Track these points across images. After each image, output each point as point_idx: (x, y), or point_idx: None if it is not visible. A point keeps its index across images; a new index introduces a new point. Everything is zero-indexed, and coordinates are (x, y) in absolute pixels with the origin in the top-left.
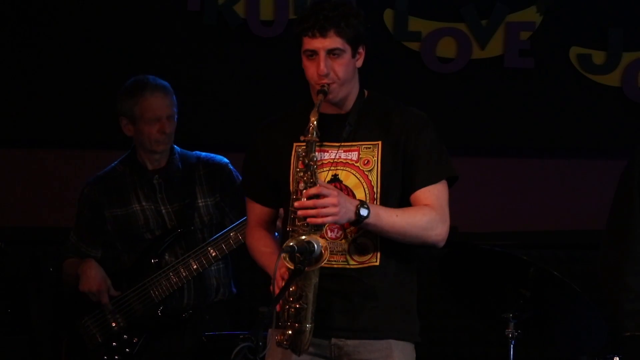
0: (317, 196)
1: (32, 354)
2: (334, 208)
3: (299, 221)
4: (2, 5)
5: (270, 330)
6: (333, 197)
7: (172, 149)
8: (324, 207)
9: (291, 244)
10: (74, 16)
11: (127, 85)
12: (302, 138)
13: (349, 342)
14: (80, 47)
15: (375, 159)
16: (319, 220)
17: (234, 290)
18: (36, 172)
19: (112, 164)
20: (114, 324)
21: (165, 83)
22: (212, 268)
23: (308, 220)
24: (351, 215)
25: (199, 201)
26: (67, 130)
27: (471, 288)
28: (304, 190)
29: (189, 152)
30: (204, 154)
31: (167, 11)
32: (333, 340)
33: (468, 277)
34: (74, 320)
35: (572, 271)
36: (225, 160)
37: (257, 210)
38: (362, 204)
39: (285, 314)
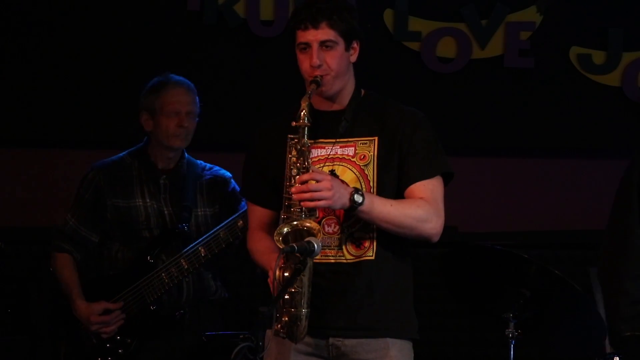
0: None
1: (32, 354)
2: (328, 192)
3: (292, 207)
4: (3, 6)
5: (267, 330)
6: (326, 181)
7: (182, 153)
8: (318, 190)
9: (284, 230)
10: (74, 17)
11: (153, 82)
12: (293, 124)
13: (347, 341)
14: (80, 47)
15: (372, 154)
16: (312, 204)
17: (226, 294)
18: (36, 172)
19: (120, 154)
20: None
21: (190, 83)
22: (206, 270)
23: (302, 204)
24: (345, 201)
25: (198, 210)
26: (67, 130)
27: (471, 288)
28: (297, 177)
29: (196, 161)
30: (209, 165)
31: (167, 11)
32: (331, 340)
33: (468, 276)
34: (71, 321)
35: (572, 271)
36: (229, 174)
37: (257, 213)
38: (357, 190)
39: (281, 300)
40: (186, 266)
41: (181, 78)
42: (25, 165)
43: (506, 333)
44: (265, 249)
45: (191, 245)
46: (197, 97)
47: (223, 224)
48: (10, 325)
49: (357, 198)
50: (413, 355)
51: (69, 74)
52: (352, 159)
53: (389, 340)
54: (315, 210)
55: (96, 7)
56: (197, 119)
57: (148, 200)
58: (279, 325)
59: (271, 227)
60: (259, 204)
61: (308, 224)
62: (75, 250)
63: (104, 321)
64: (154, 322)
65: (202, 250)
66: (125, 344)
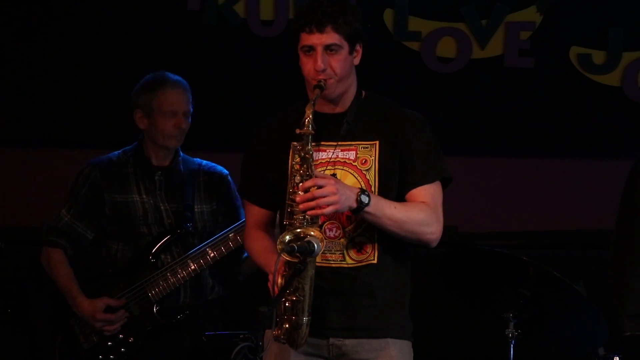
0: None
1: (32, 354)
2: (334, 196)
3: (295, 214)
4: (2, 6)
5: (267, 330)
6: (331, 185)
7: (177, 150)
8: (323, 196)
9: (287, 237)
10: (74, 17)
11: (147, 79)
12: (297, 131)
13: (347, 341)
14: (80, 47)
15: (373, 158)
16: (319, 212)
17: (225, 292)
18: (36, 172)
19: (115, 152)
20: None
21: (185, 81)
22: (206, 269)
23: (309, 212)
24: (352, 202)
25: (196, 207)
26: (67, 130)
27: (471, 288)
28: (300, 184)
29: (191, 158)
30: (205, 162)
31: (167, 11)
32: (331, 340)
33: (468, 277)
34: (70, 318)
35: (572, 271)
36: (226, 171)
37: (254, 212)
38: (363, 191)
39: (282, 307)
40: (193, 267)
41: (177, 77)
42: (25, 165)
43: (506, 333)
44: (263, 249)
45: (199, 247)
46: (191, 95)
47: (233, 226)
48: (10, 325)
49: (364, 198)
50: (413, 355)
51: (68, 74)
52: (354, 163)
53: (390, 340)
54: (318, 217)
55: (96, 7)
56: (190, 117)
57: (144, 196)
58: (279, 331)
59: (268, 226)
60: (256, 203)
61: (312, 232)
62: (70, 247)
63: (109, 319)
64: (157, 322)
65: (211, 252)
66: (127, 342)
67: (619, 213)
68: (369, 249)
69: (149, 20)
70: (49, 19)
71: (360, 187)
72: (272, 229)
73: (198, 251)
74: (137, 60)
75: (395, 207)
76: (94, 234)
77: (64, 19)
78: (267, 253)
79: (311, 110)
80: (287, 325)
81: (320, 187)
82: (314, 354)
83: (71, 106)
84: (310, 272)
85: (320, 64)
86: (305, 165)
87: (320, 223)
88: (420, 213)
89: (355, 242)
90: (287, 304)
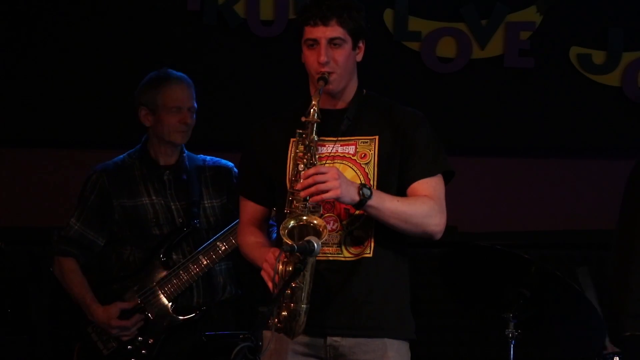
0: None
1: (32, 354)
2: (335, 182)
3: (296, 202)
4: (2, 6)
5: (264, 332)
6: (333, 172)
7: (182, 148)
8: (324, 182)
9: (291, 223)
10: (74, 17)
11: (151, 76)
12: (302, 119)
13: (345, 341)
14: (80, 47)
15: (373, 152)
16: (318, 198)
17: (239, 291)
18: (36, 172)
19: (120, 156)
20: None
21: (188, 78)
22: (217, 268)
23: (310, 199)
24: (354, 195)
25: (205, 202)
26: (67, 130)
27: (471, 288)
28: (303, 172)
29: (195, 155)
30: (209, 157)
31: (167, 11)
32: (329, 340)
33: (468, 276)
34: (86, 326)
35: (572, 271)
36: (231, 164)
37: (250, 209)
38: (364, 185)
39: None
40: (205, 262)
41: (180, 73)
42: (26, 165)
43: (506, 333)
44: (255, 244)
45: (209, 241)
46: (194, 91)
47: None
48: (10, 325)
49: (365, 191)
50: (410, 355)
51: (69, 74)
52: (353, 157)
53: (387, 340)
54: (320, 206)
55: (97, 8)
56: (195, 114)
57: (154, 198)
58: (277, 320)
59: (262, 222)
60: (252, 199)
61: (315, 221)
62: (81, 255)
63: (124, 325)
64: (173, 321)
65: (221, 244)
66: (147, 344)
67: (621, 213)
68: (365, 242)
69: (149, 21)
70: (49, 19)
71: (360, 182)
72: (266, 226)
73: (208, 246)
74: (137, 60)
75: (398, 201)
76: (105, 240)
77: (63, 19)
78: (259, 247)
79: (317, 99)
80: (285, 313)
81: (322, 173)
82: (310, 355)
83: (72, 106)
84: (312, 259)
85: (323, 57)
86: (308, 154)
87: (320, 213)
88: (423, 205)
89: (352, 236)
90: (287, 291)
